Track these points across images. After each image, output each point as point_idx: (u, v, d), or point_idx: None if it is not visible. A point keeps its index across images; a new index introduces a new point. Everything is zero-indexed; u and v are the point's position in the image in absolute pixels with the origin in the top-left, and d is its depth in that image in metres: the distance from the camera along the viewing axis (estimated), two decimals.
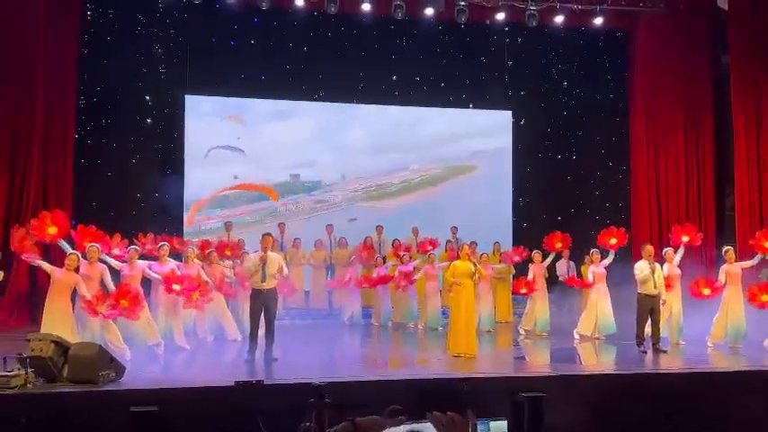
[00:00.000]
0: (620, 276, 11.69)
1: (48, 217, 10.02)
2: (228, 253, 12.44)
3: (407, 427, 1.97)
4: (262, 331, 9.64)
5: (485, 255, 13.33)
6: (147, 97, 15.03)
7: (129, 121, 14.78)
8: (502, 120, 16.87)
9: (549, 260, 13.02)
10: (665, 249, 11.70)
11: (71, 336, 8.58)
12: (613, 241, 12.00)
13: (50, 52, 12.95)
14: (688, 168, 15.45)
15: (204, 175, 15.34)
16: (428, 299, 13.20)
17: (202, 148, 15.39)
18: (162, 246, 10.86)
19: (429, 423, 1.97)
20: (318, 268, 14.65)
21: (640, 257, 10.95)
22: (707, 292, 11.26)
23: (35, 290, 11.90)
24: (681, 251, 11.67)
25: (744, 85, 14.28)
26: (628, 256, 12.78)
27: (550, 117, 16.74)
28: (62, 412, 7.13)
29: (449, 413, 2.00)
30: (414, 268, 13.50)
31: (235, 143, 15.60)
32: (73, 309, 9.26)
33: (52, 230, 9.85)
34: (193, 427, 7.11)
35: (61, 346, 7.71)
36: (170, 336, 10.41)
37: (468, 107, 16.78)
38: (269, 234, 9.89)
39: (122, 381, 7.84)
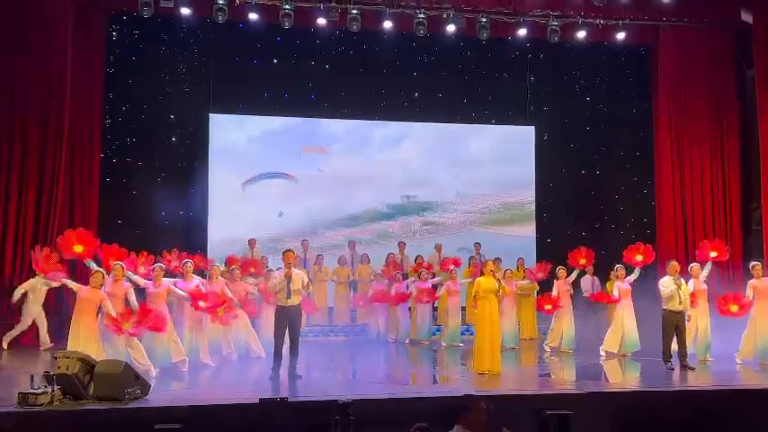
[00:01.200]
0: (644, 291, 11.57)
1: (73, 235, 10.15)
2: (253, 270, 12.50)
3: None
4: (286, 348, 9.64)
5: (509, 271, 13.26)
6: (172, 116, 15.20)
7: (154, 139, 14.95)
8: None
9: (573, 276, 12.93)
10: (690, 264, 11.57)
11: (97, 353, 8.64)
12: (639, 258, 11.88)
13: (76, 72, 13.15)
14: (714, 183, 15.28)
15: (230, 192, 15.47)
16: (449, 316, 13.16)
17: (227, 165, 15.51)
18: (186, 263, 10.92)
19: None
20: (341, 284, 14.66)
21: (665, 273, 10.83)
22: (734, 309, 11.09)
23: (61, 308, 12.00)
24: (708, 266, 11.53)
25: None
26: (652, 271, 12.65)
27: (574, 132, 16.69)
28: (88, 430, 7.17)
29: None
30: (432, 285, 13.49)
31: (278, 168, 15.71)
32: (98, 326, 9.34)
33: (78, 249, 9.99)
34: None
35: (87, 364, 7.76)
36: (195, 353, 10.45)
37: (491, 123, 16.79)
38: (290, 250, 9.91)
39: (148, 398, 7.87)
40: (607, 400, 8.44)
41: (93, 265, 9.91)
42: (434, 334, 13.62)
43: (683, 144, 15.38)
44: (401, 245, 15.36)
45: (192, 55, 15.13)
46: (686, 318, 10.59)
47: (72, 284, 9.64)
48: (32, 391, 7.23)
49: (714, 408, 8.26)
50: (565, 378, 10.33)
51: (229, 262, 12.40)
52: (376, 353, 12.36)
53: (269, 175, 15.73)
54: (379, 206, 16.42)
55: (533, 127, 16.86)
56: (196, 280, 10.72)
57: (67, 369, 7.56)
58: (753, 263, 11.46)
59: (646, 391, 9.04)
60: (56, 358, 7.83)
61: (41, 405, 7.15)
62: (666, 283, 10.54)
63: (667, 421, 7.97)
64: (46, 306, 11.84)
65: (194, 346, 10.50)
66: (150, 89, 14.66)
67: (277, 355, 9.51)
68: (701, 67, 15.16)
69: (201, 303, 10.29)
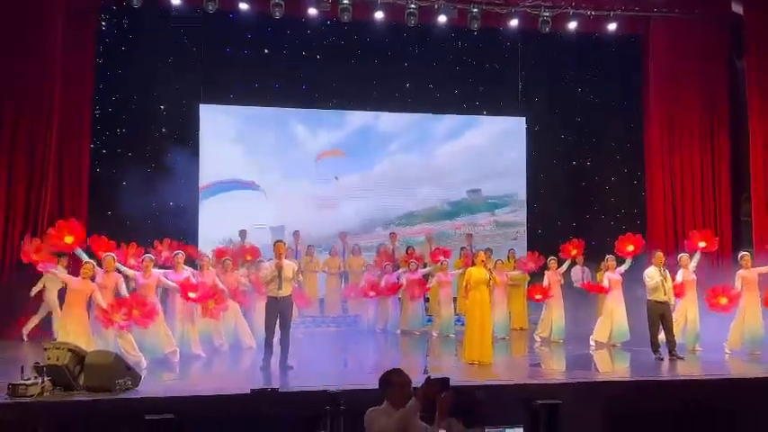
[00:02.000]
0: (635, 281, 11.62)
1: (64, 227, 10.12)
2: (249, 258, 12.49)
3: None
4: (277, 339, 9.65)
5: (500, 261, 13.30)
6: (162, 107, 15.14)
7: (143, 130, 14.89)
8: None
9: (564, 267, 12.97)
10: (679, 255, 11.61)
11: (87, 344, 8.63)
12: (630, 248, 11.91)
13: (66, 63, 13.04)
14: (704, 173, 15.33)
15: (220, 182, 15.45)
16: (442, 306, 13.19)
17: (217, 156, 15.50)
18: (177, 254, 10.90)
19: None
20: (333, 276, 14.67)
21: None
22: (724, 301, 11.13)
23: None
24: (697, 257, 11.58)
25: (760, 90, 14.16)
26: (643, 261, 12.69)
27: (565, 123, 16.71)
28: (78, 420, 7.17)
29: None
30: (422, 276, 13.51)
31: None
32: (89, 317, 9.32)
33: (68, 240, 9.97)
34: None
35: (77, 355, 7.76)
36: (186, 344, 10.45)
37: (482, 114, 16.80)
38: (281, 241, 9.94)
39: (138, 389, 7.86)
40: (597, 390, 8.49)
41: (84, 256, 9.89)
42: (426, 324, 13.65)
43: (673, 135, 15.42)
44: (392, 235, 15.37)
45: (182, 45, 15.05)
46: (671, 308, 10.64)
47: (62, 275, 9.62)
48: (23, 382, 7.22)
49: (703, 397, 8.32)
50: (555, 368, 10.38)
51: (219, 254, 12.36)
52: (367, 343, 12.38)
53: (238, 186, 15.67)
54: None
55: (524, 118, 16.88)
56: (187, 271, 10.71)
57: (57, 360, 7.56)
58: (741, 253, 11.54)
59: (635, 381, 9.09)
60: (46, 349, 7.82)
61: (32, 396, 7.14)
62: (652, 274, 10.61)
63: (657, 411, 8.03)
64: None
65: (185, 336, 10.50)
66: (140, 80, 14.58)
67: (268, 345, 9.53)
68: (693, 58, 15.19)
69: (191, 294, 10.27)
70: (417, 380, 4.50)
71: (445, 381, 4.17)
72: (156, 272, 10.31)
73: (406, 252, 14.61)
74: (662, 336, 10.62)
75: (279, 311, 9.54)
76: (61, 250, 10.18)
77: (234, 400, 7.56)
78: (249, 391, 7.58)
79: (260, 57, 15.49)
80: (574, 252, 13.05)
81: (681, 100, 15.38)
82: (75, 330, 8.95)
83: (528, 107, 16.78)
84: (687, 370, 9.83)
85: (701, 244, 11.76)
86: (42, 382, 7.30)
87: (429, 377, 4.22)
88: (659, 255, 10.84)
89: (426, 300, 13.95)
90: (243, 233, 14.59)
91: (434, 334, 13.06)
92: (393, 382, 4.47)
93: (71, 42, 13.22)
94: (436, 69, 16.08)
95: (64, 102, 13.08)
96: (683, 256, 11.52)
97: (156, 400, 7.47)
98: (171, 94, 15.07)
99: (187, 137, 15.30)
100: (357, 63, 15.65)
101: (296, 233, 14.96)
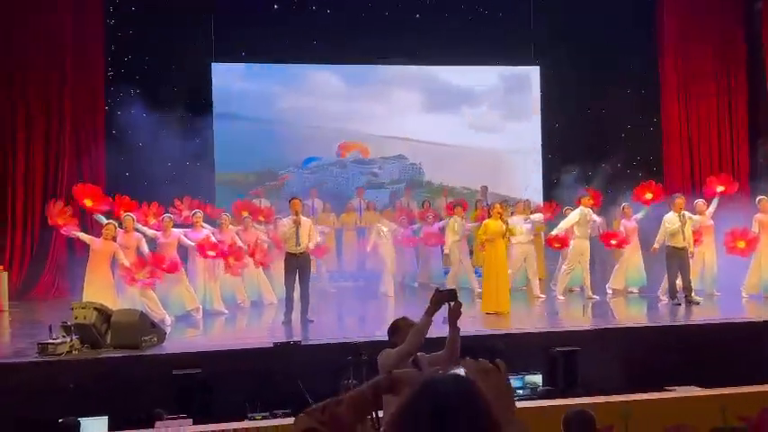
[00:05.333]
0: (653, 229, 11.60)
1: (83, 189, 10.24)
2: (262, 219, 12.58)
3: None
4: (297, 294, 9.80)
5: (519, 203, 13.15)
6: (174, 66, 15.10)
7: (157, 90, 14.86)
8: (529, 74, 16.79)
9: (641, 214, 12.22)
10: (695, 201, 11.56)
11: (112, 304, 8.79)
12: (649, 196, 11.74)
13: (77, 25, 13.03)
14: (720, 118, 15.19)
15: (235, 142, 15.49)
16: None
17: (230, 114, 15.53)
18: (195, 212, 11.02)
19: (462, 369, 2.04)
20: (349, 231, 14.75)
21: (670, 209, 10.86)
22: (742, 245, 11.10)
23: (74, 260, 12.15)
24: (715, 202, 11.52)
25: None
26: (661, 209, 12.65)
27: (578, 71, 16.48)
28: (107, 377, 7.37)
29: (480, 359, 2.06)
30: (439, 229, 13.54)
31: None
32: (113, 277, 9.50)
33: (88, 203, 10.10)
34: (234, 388, 7.31)
35: (104, 313, 7.94)
36: (208, 301, 10.63)
37: (495, 63, 16.65)
38: (296, 198, 10.02)
39: (164, 345, 8.05)
40: (614, 337, 8.59)
41: (103, 219, 10.02)
42: (443, 277, 13.72)
43: (688, 79, 15.24)
44: (407, 189, 15.40)
45: (193, 2, 14.96)
46: (690, 254, 10.64)
47: (85, 237, 9.78)
48: (51, 341, 7.41)
49: (720, 341, 8.40)
50: (572, 316, 10.47)
51: (236, 208, 12.45)
52: (386, 297, 12.50)
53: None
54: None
55: (538, 67, 16.73)
56: (206, 230, 10.83)
57: (84, 319, 7.74)
58: (759, 197, 11.48)
59: (652, 327, 9.18)
60: (72, 309, 8.00)
61: (60, 354, 7.34)
62: (671, 220, 10.60)
63: (673, 356, 8.12)
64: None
65: (208, 294, 10.68)
66: (151, 40, 14.52)
67: (288, 301, 9.68)
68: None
69: (210, 252, 10.41)
70: (437, 331, 4.58)
71: (452, 291, 4.39)
72: (176, 231, 10.44)
73: (422, 206, 14.64)
74: (679, 281, 10.66)
75: (297, 267, 9.67)
76: (83, 210, 10.32)
77: (257, 353, 7.73)
78: (272, 345, 7.75)
79: (269, 13, 15.38)
80: (649, 196, 11.98)
81: (697, 43, 15.15)
82: (100, 290, 9.12)
83: (541, 55, 16.59)
84: (704, 314, 9.89)
85: (720, 188, 11.66)
86: (71, 340, 7.49)
87: (437, 288, 4.40)
88: (678, 200, 10.80)
89: (443, 252, 13.99)
90: (259, 192, 14.67)
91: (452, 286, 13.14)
92: (401, 326, 4.63)
93: (81, 4, 13.19)
94: (447, 20, 15.89)
95: (76, 66, 13.10)
96: (699, 202, 11.48)
97: (181, 356, 7.66)
98: (183, 53, 15.00)
99: (200, 96, 15.31)
100: (368, 16, 15.50)
101: (312, 189, 15.03)
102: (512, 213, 12.61)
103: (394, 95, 16.43)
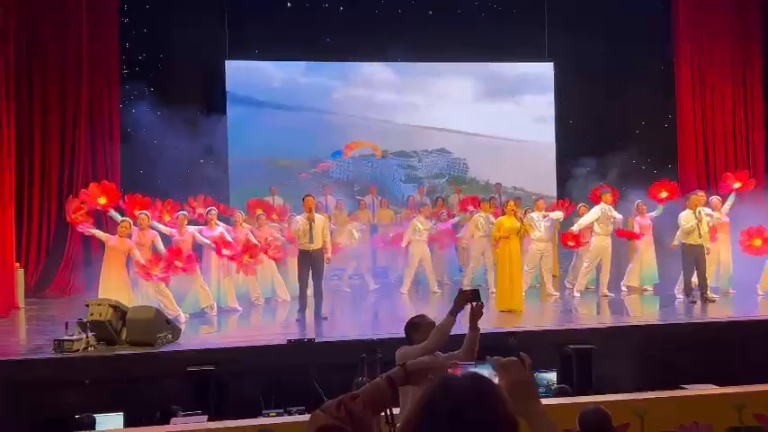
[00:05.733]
0: (668, 226, 11.54)
1: (97, 187, 10.31)
2: (275, 217, 12.62)
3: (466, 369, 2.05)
4: (310, 291, 9.83)
5: (529, 209, 13.11)
6: (188, 64, 15.16)
7: (171, 88, 14.93)
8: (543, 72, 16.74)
9: (656, 212, 12.15)
10: (711, 197, 11.49)
11: (127, 300, 8.85)
12: (664, 194, 11.67)
13: (91, 24, 13.11)
14: (736, 112, 15.08)
15: (249, 137, 15.53)
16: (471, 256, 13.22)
17: (244, 111, 15.57)
18: (210, 210, 11.07)
19: (488, 365, 2.04)
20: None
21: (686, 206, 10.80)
22: (758, 243, 11.02)
23: (89, 257, 12.24)
24: (731, 198, 11.44)
25: None
26: (676, 207, 12.57)
27: (592, 67, 16.40)
28: (122, 374, 7.41)
29: (509, 358, 2.07)
30: (452, 226, 13.51)
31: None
32: (128, 275, 9.55)
33: (102, 200, 10.14)
34: (248, 385, 7.34)
35: (119, 310, 7.98)
36: (222, 298, 10.68)
37: (510, 60, 16.59)
38: (310, 195, 10.03)
39: (179, 342, 8.09)
40: (628, 334, 8.56)
41: (118, 216, 10.08)
42: (458, 274, 13.71)
43: (704, 74, 15.12)
44: (420, 188, 15.40)
45: (206, 1, 15.02)
46: (706, 251, 10.58)
47: (101, 234, 9.84)
48: (68, 337, 7.46)
49: (735, 339, 8.36)
50: (587, 313, 10.44)
51: (251, 206, 12.50)
52: (399, 294, 12.51)
53: None
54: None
55: (552, 63, 16.66)
56: (220, 227, 10.87)
57: (100, 315, 7.79)
58: None
59: (667, 324, 9.13)
60: (88, 306, 8.05)
61: (77, 351, 7.39)
62: (687, 217, 10.53)
63: (687, 354, 8.08)
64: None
65: (222, 291, 10.73)
66: (165, 37, 14.60)
67: (302, 298, 9.71)
68: None
69: (225, 251, 10.45)
70: (456, 329, 4.57)
71: (476, 291, 4.41)
72: (191, 228, 10.49)
73: (436, 202, 14.62)
74: (695, 279, 10.61)
75: (310, 264, 9.70)
76: (96, 209, 10.38)
77: (271, 350, 7.75)
78: (286, 342, 7.77)
79: (282, 10, 15.41)
80: (664, 194, 11.90)
81: (712, 37, 15.03)
82: (115, 287, 9.18)
83: (554, 51, 16.52)
84: (719, 312, 9.84)
85: (736, 185, 11.57)
86: (86, 337, 7.54)
87: (461, 288, 4.44)
88: (694, 197, 10.74)
89: (456, 249, 13.98)
90: (274, 189, 14.70)
91: (467, 284, 13.13)
92: (421, 323, 4.65)
93: (95, 3, 13.25)
94: (460, 16, 15.86)
95: (91, 63, 13.18)
96: (714, 198, 11.41)
97: (196, 353, 7.70)
98: (196, 51, 15.05)
99: (214, 93, 15.37)
100: (381, 13, 15.49)
101: (326, 187, 15.05)
102: (526, 211, 12.57)
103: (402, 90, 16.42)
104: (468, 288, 4.44)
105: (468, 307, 4.38)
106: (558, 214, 12.35)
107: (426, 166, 16.50)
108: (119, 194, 10.53)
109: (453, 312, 4.36)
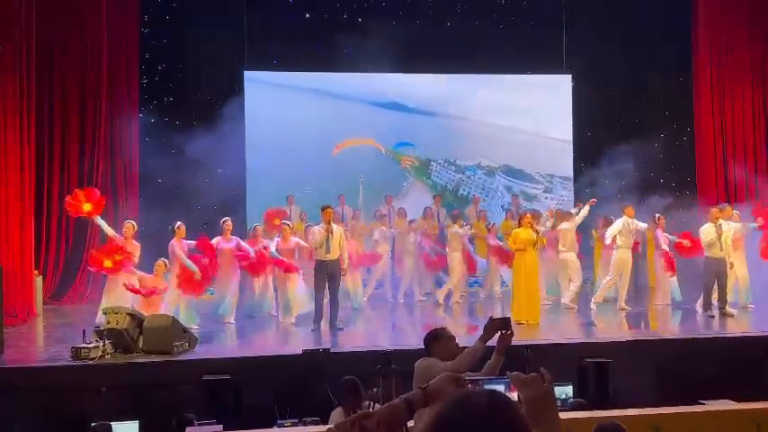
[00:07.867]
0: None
1: (81, 193, 10.24)
2: (277, 222, 12.54)
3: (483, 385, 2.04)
4: (326, 302, 9.83)
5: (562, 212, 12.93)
6: (207, 74, 15.25)
7: (190, 99, 15.04)
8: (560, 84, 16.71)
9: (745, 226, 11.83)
10: (734, 211, 11.40)
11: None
12: (761, 222, 11.33)
13: (111, 34, 13.24)
14: (756, 127, 14.97)
15: (266, 149, 15.57)
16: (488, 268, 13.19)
17: (263, 121, 15.63)
18: (225, 221, 11.03)
19: (503, 383, 2.03)
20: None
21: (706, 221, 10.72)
22: None
23: None
24: (751, 225, 11.32)
25: None
26: (693, 218, 12.49)
27: (610, 80, 16.34)
28: (139, 381, 7.45)
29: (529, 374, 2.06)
30: (469, 238, 13.46)
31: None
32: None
33: (87, 207, 10.04)
34: (263, 395, 7.35)
35: (136, 319, 8.03)
36: (238, 308, 10.69)
37: (526, 72, 16.55)
38: (329, 206, 10.03)
39: (195, 351, 8.11)
40: (647, 348, 8.49)
41: (104, 224, 10.06)
42: (472, 286, 13.67)
43: (723, 88, 15.02)
44: (437, 198, 15.36)
45: (226, 11, 15.12)
46: (728, 265, 10.48)
47: (109, 230, 9.96)
48: (85, 345, 7.51)
49: (755, 354, 8.26)
50: (604, 327, 10.36)
51: (268, 216, 12.50)
52: (411, 305, 12.47)
53: None
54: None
55: (570, 75, 16.61)
56: (235, 239, 10.83)
57: (117, 324, 7.83)
58: None
59: (685, 339, 9.05)
60: (105, 314, 8.10)
61: (94, 359, 7.43)
62: (707, 231, 10.45)
63: (706, 368, 8.00)
64: None
65: (239, 301, 10.76)
66: (185, 48, 14.72)
67: (318, 308, 9.71)
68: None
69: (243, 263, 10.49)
70: (464, 340, 4.57)
71: (506, 320, 4.40)
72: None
73: (452, 214, 14.56)
74: (714, 294, 10.52)
75: (327, 275, 9.70)
76: (81, 216, 10.41)
77: (287, 360, 7.76)
78: (301, 352, 7.77)
79: (301, 21, 15.48)
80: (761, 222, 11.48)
81: (731, 50, 14.94)
82: (120, 295, 9.25)
83: (572, 63, 16.46)
84: (738, 327, 9.74)
85: (759, 221, 11.33)
86: (103, 345, 7.59)
87: (491, 317, 4.43)
88: (714, 210, 10.67)
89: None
90: (290, 198, 14.71)
91: (483, 295, 13.10)
92: (441, 335, 4.67)
93: (115, 13, 13.39)
94: (479, 28, 15.86)
95: (111, 73, 13.32)
96: (735, 213, 11.32)
97: (212, 362, 7.73)
98: (216, 62, 15.15)
99: (232, 104, 15.42)
100: (399, 25, 15.52)
101: (340, 197, 15.04)
102: (552, 222, 12.42)
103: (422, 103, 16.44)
104: (498, 318, 4.42)
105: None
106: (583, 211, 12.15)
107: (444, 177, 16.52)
108: (103, 202, 10.41)
109: (483, 339, 4.36)
